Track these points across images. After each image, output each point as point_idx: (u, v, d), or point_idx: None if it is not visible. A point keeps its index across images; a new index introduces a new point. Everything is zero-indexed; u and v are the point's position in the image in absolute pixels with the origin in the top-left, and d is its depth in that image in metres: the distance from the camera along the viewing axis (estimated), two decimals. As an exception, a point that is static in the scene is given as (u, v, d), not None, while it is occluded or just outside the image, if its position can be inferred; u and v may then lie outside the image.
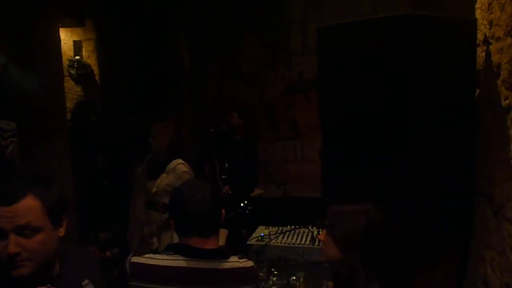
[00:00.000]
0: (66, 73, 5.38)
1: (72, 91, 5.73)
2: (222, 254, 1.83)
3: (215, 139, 4.72)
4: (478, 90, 2.40)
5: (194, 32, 5.73)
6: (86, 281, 1.58)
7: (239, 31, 5.68)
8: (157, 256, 1.78)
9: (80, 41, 5.79)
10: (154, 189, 3.39)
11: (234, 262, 1.84)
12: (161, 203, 3.27)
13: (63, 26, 5.24)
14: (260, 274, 2.60)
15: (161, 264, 1.74)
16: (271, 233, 3.04)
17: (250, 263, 1.90)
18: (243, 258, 1.91)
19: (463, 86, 2.33)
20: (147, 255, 1.78)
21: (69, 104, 5.27)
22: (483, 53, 2.29)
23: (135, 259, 1.75)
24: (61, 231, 1.46)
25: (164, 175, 3.40)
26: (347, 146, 2.40)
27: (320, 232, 2.98)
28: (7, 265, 1.32)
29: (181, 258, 1.75)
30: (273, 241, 2.92)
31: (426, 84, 2.18)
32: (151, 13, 5.40)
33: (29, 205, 1.33)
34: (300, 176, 5.40)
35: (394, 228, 1.86)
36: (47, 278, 1.43)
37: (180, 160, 3.43)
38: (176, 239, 3.13)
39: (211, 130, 4.73)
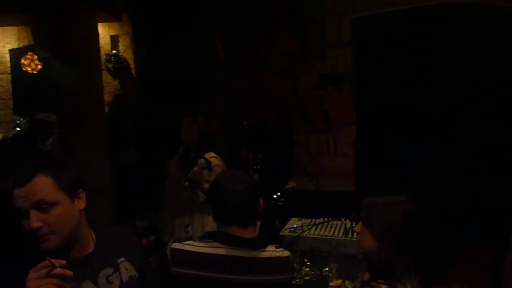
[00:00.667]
0: (103, 67, 5.51)
1: (109, 84, 5.86)
2: (260, 243, 1.86)
3: (249, 131, 4.74)
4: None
5: (228, 25, 5.76)
6: (122, 259, 1.63)
7: (272, 23, 5.67)
8: (197, 243, 1.81)
9: (117, 35, 5.91)
10: (186, 183, 3.43)
11: (272, 251, 1.86)
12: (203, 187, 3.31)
13: (101, 21, 5.35)
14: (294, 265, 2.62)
15: (201, 251, 1.77)
16: (304, 224, 3.05)
17: (286, 253, 1.91)
18: (280, 247, 1.92)
19: (503, 76, 2.27)
20: (187, 242, 1.81)
21: (107, 97, 5.39)
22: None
23: (176, 245, 1.79)
24: (81, 204, 1.54)
25: (195, 168, 3.43)
26: (381, 138, 2.38)
27: (354, 225, 2.97)
28: (34, 242, 1.41)
29: (220, 246, 1.78)
30: (306, 232, 2.93)
31: (464, 74, 2.13)
32: (185, 6, 5.45)
33: (40, 183, 1.43)
34: (333, 169, 5.36)
35: (430, 220, 1.84)
36: (81, 256, 1.52)
37: (212, 154, 3.45)
38: (207, 227, 3.19)
39: (244, 123, 4.75)
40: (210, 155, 3.43)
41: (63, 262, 1.27)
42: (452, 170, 2.14)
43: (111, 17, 5.69)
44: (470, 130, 2.14)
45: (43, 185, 1.43)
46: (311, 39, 5.55)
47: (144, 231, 2.33)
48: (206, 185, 3.28)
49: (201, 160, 3.27)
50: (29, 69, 5.88)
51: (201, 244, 1.80)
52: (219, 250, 1.77)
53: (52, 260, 1.26)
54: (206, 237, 1.85)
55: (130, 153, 4.76)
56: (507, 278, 2.39)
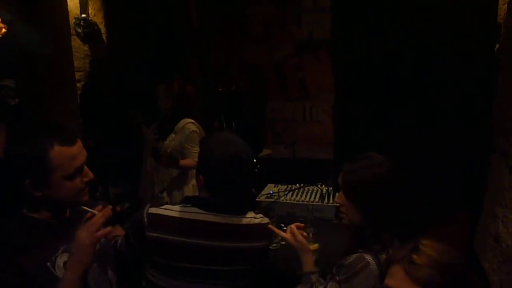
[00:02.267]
0: (72, 31, 5.30)
1: (80, 50, 5.65)
2: (239, 209, 1.82)
3: (224, 98, 4.67)
4: (497, 45, 2.32)
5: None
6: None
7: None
8: (174, 207, 1.77)
9: (86, -1, 5.67)
10: (163, 150, 3.37)
11: (251, 218, 1.82)
12: (165, 159, 3.26)
13: (69, -18, 5.12)
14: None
15: (178, 216, 1.73)
16: (280, 190, 3.04)
17: (266, 220, 1.88)
18: (259, 214, 1.89)
19: (482, 41, 2.26)
20: (164, 206, 1.77)
21: (77, 63, 5.21)
22: (505, 6, 2.20)
23: (153, 210, 1.74)
24: None
25: (172, 135, 3.37)
26: (361, 105, 2.36)
27: (331, 191, 2.98)
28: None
29: (198, 211, 1.74)
30: (282, 198, 2.92)
31: (444, 39, 2.11)
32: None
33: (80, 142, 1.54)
34: (309, 137, 5.36)
35: (408, 184, 1.84)
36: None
37: (189, 120, 3.38)
38: (186, 194, 3.13)
39: (220, 89, 4.67)
40: (187, 121, 3.36)
41: (100, 207, 1.47)
42: (430, 134, 2.14)
43: (80, -21, 5.46)
44: (448, 94, 2.14)
45: (81, 142, 1.53)
46: (288, 4, 5.45)
47: (118, 198, 2.28)
48: (182, 161, 3.24)
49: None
50: (-7, 33, 5.60)
51: (179, 209, 1.75)
52: (197, 215, 1.73)
53: (90, 210, 1.46)
54: (184, 201, 1.80)
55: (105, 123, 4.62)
56: (479, 242, 2.44)
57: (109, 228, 1.46)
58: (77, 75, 5.10)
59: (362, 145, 2.27)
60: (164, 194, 3.34)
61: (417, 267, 1.17)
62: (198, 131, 3.36)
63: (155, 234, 1.70)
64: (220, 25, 5.70)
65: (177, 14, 5.47)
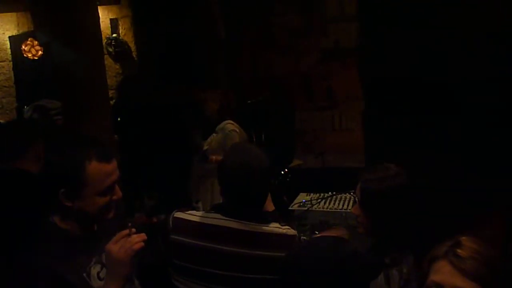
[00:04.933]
0: (104, 51, 5.48)
1: (111, 68, 5.84)
2: (263, 217, 1.85)
3: (252, 110, 4.73)
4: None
5: (229, 2, 5.70)
6: None
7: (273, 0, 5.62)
8: (198, 213, 1.84)
9: (116, 19, 5.86)
10: (205, 147, 3.52)
11: (275, 227, 1.84)
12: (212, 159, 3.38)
13: (100, 4, 5.31)
14: (303, 238, 2.63)
15: (200, 221, 1.80)
16: (313, 199, 3.06)
17: (292, 231, 1.88)
18: (285, 225, 1.89)
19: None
20: (189, 212, 1.84)
21: (109, 81, 5.37)
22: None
23: (178, 214, 1.82)
24: None
25: (214, 134, 3.52)
26: (390, 112, 2.37)
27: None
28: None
29: (221, 217, 1.79)
30: (315, 206, 2.94)
31: (477, 45, 2.11)
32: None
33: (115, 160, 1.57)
34: (338, 146, 5.35)
35: (439, 191, 1.84)
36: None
37: (229, 120, 3.57)
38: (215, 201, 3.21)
39: (248, 101, 4.73)
40: (227, 121, 3.52)
41: (134, 229, 1.47)
42: (462, 142, 2.13)
43: (110, 0, 5.65)
44: (480, 102, 2.12)
45: (116, 162, 1.56)
46: (313, 14, 5.49)
47: (153, 210, 2.35)
48: (213, 157, 3.35)
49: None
50: (29, 55, 5.84)
51: (202, 214, 1.82)
52: (218, 221, 1.78)
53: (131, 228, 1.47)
54: (211, 208, 1.87)
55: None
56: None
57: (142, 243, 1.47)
58: (110, 93, 5.27)
59: (392, 152, 2.28)
60: (199, 204, 3.42)
61: (464, 260, 1.18)
62: (237, 130, 3.50)
63: (178, 237, 1.77)
64: (245, 36, 5.78)
65: (203, 26, 5.58)
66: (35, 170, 2.11)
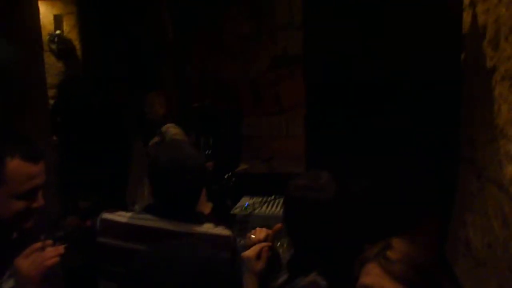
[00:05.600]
0: (46, 48, 5.26)
1: (53, 66, 5.60)
2: (195, 218, 1.79)
3: (199, 114, 4.68)
4: (463, 55, 2.39)
5: (178, 3, 5.63)
6: None
7: (224, 3, 5.59)
8: (127, 214, 1.75)
9: (60, 15, 5.64)
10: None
11: (208, 228, 1.78)
12: None
13: (42, -1, 5.11)
14: (243, 242, 2.60)
15: (129, 222, 1.71)
16: (255, 203, 3.04)
17: (226, 232, 1.82)
18: (221, 226, 1.83)
19: (447, 50, 2.32)
20: (118, 213, 1.75)
21: (51, 80, 5.16)
22: (469, 16, 2.27)
23: (106, 215, 1.73)
24: None
25: (156, 138, 3.42)
26: (331, 117, 2.39)
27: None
28: (21, 219, 1.39)
29: (151, 217, 1.71)
30: (257, 210, 2.92)
31: (407, 48, 2.17)
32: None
33: (42, 162, 1.43)
34: (285, 151, 5.38)
35: (373, 193, 1.85)
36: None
37: (171, 124, 3.50)
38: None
39: (195, 105, 4.68)
40: (169, 125, 3.45)
41: (50, 241, 1.34)
42: (395, 143, 2.18)
43: (54, -6, 5.45)
44: (413, 103, 2.18)
45: (43, 165, 1.42)
46: (263, 20, 5.51)
47: (87, 212, 2.26)
48: None
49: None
50: (-37, 48, 5.51)
51: (131, 215, 1.74)
52: (148, 222, 1.71)
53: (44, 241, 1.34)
54: (142, 209, 1.79)
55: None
56: (450, 249, 2.47)
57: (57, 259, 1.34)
58: (51, 92, 5.05)
59: (332, 156, 2.31)
60: (136, 207, 3.33)
61: (393, 263, 1.18)
62: (179, 134, 3.43)
63: (105, 240, 1.68)
64: (194, 39, 5.73)
65: (152, 28, 5.49)
66: None
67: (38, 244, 1.32)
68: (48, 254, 1.31)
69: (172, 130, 3.41)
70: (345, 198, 1.58)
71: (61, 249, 1.34)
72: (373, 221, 1.75)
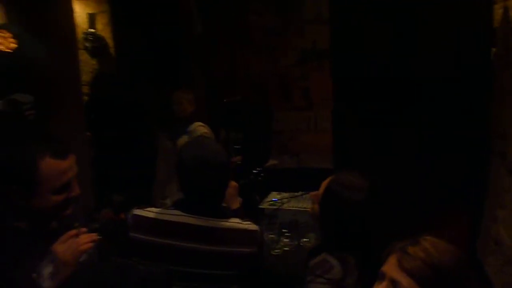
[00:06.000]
0: (81, 46, 5.40)
1: (88, 64, 5.75)
2: (222, 213, 1.84)
3: (229, 109, 4.72)
4: (494, 49, 2.35)
5: (206, 0, 5.68)
6: None
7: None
8: (157, 210, 1.81)
9: (94, 13, 5.78)
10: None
11: (235, 223, 1.82)
12: None
13: (77, -2, 5.24)
14: (271, 235, 2.64)
15: (159, 218, 1.78)
16: (284, 198, 3.06)
17: (253, 226, 1.86)
18: (247, 221, 1.87)
19: (478, 44, 2.28)
20: (148, 209, 1.81)
21: (85, 77, 5.31)
22: (501, 10, 2.23)
23: (137, 211, 1.80)
24: None
25: (185, 136, 3.48)
26: (359, 111, 2.39)
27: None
28: (61, 209, 1.50)
29: (180, 213, 1.77)
30: (285, 205, 2.94)
31: (438, 41, 2.14)
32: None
33: (72, 156, 1.53)
34: (314, 146, 5.37)
35: (403, 189, 1.85)
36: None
37: (200, 123, 3.54)
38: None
39: (225, 100, 4.71)
40: (198, 124, 3.50)
41: (85, 229, 1.45)
42: (425, 137, 2.16)
43: (87, -6, 5.58)
44: (444, 97, 2.16)
45: (73, 157, 1.52)
46: (290, 14, 5.50)
47: (121, 206, 2.34)
48: None
49: None
50: (2, 47, 5.71)
51: (161, 211, 1.80)
52: (177, 217, 1.77)
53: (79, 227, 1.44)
54: (171, 205, 1.85)
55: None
56: (480, 245, 2.44)
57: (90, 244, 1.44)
58: (85, 89, 5.20)
59: (360, 151, 2.31)
60: (167, 200, 3.40)
61: (410, 258, 1.20)
62: (208, 132, 3.48)
63: (136, 235, 1.75)
64: (222, 34, 5.77)
65: (181, 24, 5.55)
66: None
67: (73, 231, 1.42)
68: (82, 240, 1.41)
69: (201, 129, 3.46)
70: (378, 196, 1.63)
71: (94, 236, 1.44)
72: (402, 217, 1.75)
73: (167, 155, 3.69)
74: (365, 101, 2.31)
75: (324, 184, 1.79)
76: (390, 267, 1.22)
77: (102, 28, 5.82)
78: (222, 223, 1.79)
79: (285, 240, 2.58)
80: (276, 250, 2.51)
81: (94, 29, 5.75)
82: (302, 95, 5.57)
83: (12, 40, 5.62)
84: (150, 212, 1.80)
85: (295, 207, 2.92)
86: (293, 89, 5.61)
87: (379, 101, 2.24)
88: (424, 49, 2.13)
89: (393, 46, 2.17)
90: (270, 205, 3.00)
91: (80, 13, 5.53)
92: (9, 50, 5.69)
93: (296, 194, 3.12)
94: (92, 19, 5.78)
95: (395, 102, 2.19)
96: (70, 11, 4.17)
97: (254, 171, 3.54)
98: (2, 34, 5.67)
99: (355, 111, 2.37)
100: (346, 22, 2.45)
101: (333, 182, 1.76)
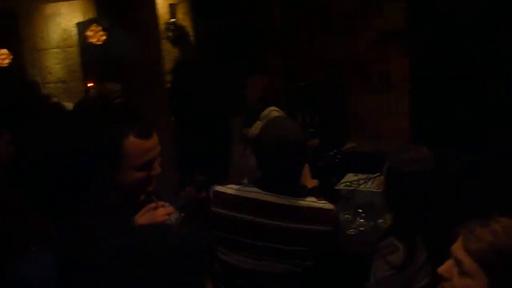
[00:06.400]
0: (163, 35, 5.66)
1: (170, 53, 6.02)
2: (299, 191, 1.88)
3: (305, 92, 4.72)
4: None
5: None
6: None
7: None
8: (238, 187, 1.89)
9: (175, 4, 6.02)
10: (250, 136, 3.56)
11: (312, 201, 1.86)
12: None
13: (158, -10, 5.47)
14: (346, 216, 2.64)
15: (239, 194, 1.86)
16: (360, 179, 3.04)
17: (329, 205, 1.88)
18: (323, 200, 1.90)
19: None
20: (229, 185, 1.90)
21: (168, 66, 5.55)
22: None
23: (218, 188, 1.89)
24: None
25: (258, 122, 3.54)
26: (437, 89, 2.31)
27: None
28: (143, 185, 1.63)
29: (257, 190, 1.84)
30: (362, 186, 2.93)
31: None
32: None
33: (156, 136, 1.65)
34: (394, 130, 5.22)
35: (476, 170, 1.79)
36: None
37: (273, 108, 3.56)
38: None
39: (301, 84, 4.73)
40: (272, 109, 3.54)
41: (162, 202, 1.59)
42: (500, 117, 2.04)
43: (168, -15, 5.81)
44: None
45: (157, 139, 1.64)
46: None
47: (203, 184, 2.48)
48: None
49: None
50: (94, 40, 6.15)
51: (241, 188, 1.88)
52: (256, 194, 1.83)
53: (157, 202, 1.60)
54: (250, 182, 1.92)
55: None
56: None
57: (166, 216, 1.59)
58: (168, 77, 5.45)
59: (437, 133, 2.23)
60: (245, 180, 3.49)
61: (475, 239, 1.16)
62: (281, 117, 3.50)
63: (217, 210, 1.86)
64: (300, 19, 5.74)
65: (259, 10, 5.60)
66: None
67: (152, 205, 1.58)
68: (159, 212, 1.57)
69: (274, 113, 3.48)
70: (446, 172, 1.60)
71: (170, 209, 1.59)
72: (475, 196, 1.69)
73: (240, 141, 3.77)
74: (441, 80, 2.23)
75: (384, 170, 1.79)
76: (457, 246, 1.20)
77: (183, 17, 6.05)
78: (299, 201, 1.84)
79: (360, 220, 2.57)
80: (351, 230, 2.52)
81: (175, 18, 6.00)
82: (381, 77, 5.42)
83: (102, 33, 6.05)
84: (230, 189, 1.89)
85: (372, 189, 2.89)
86: (371, 71, 5.47)
87: (455, 80, 2.15)
88: (500, 29, 2.00)
89: (472, 25, 2.06)
90: (346, 186, 3.00)
91: (162, 4, 5.79)
92: (99, 43, 6.14)
93: (373, 175, 3.09)
94: (173, 9, 6.03)
95: (475, 81, 2.08)
96: (152, 3, 4.37)
97: (330, 153, 3.54)
98: (94, 28, 6.12)
99: (432, 91, 2.29)
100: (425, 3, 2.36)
101: (392, 160, 1.78)
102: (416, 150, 1.74)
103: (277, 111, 3.52)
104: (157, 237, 1.08)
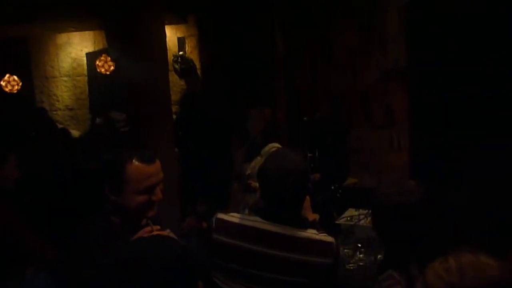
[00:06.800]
0: (170, 67, 5.78)
1: (176, 84, 6.14)
2: (300, 223, 1.90)
3: (308, 127, 4.78)
4: None
5: (288, 18, 5.81)
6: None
7: (334, 16, 5.66)
8: (240, 215, 1.92)
9: (183, 37, 6.18)
10: (248, 171, 3.55)
11: (312, 233, 1.87)
12: (252, 186, 3.43)
13: (168, 23, 5.63)
14: (346, 250, 2.65)
15: (241, 222, 1.88)
16: (361, 214, 3.05)
17: (329, 238, 1.89)
18: (324, 233, 1.90)
19: None
20: (231, 214, 1.93)
21: (174, 97, 5.65)
22: None
23: (221, 215, 1.92)
24: None
25: (259, 158, 3.54)
26: (436, 128, 2.35)
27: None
28: (144, 209, 1.67)
29: (259, 220, 1.86)
30: (362, 221, 2.93)
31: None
32: (248, 2, 5.58)
33: (158, 163, 1.70)
34: (396, 166, 5.25)
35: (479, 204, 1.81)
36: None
37: (275, 144, 3.55)
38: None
39: (304, 118, 4.79)
40: (274, 145, 3.54)
41: (158, 226, 1.60)
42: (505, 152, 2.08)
43: (178, 19, 5.96)
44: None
45: (159, 165, 1.69)
46: (372, 32, 5.47)
47: (204, 215, 2.52)
48: (253, 184, 3.39)
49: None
50: (102, 70, 6.28)
51: (243, 217, 1.91)
52: (257, 223, 1.85)
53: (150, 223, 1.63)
54: (252, 211, 1.95)
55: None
56: None
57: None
58: (174, 108, 5.53)
59: (438, 169, 2.26)
60: (246, 211, 3.50)
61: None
62: None
63: (219, 237, 1.87)
64: (304, 52, 5.86)
65: (263, 43, 5.72)
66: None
67: (148, 228, 1.60)
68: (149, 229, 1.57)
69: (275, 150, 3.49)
70: (436, 205, 1.62)
71: (165, 233, 1.58)
72: (462, 227, 1.71)
73: (240, 175, 3.78)
74: (441, 120, 2.28)
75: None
76: (430, 275, 1.21)
77: (191, 50, 6.19)
78: (300, 232, 1.86)
79: (360, 255, 2.58)
80: (351, 265, 2.52)
81: (183, 52, 6.15)
82: (384, 113, 5.49)
83: (111, 63, 6.19)
84: (233, 217, 1.92)
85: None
86: (374, 106, 5.54)
87: (457, 120, 2.20)
88: (499, 71, 2.07)
89: (470, 66, 2.13)
90: (347, 221, 3.01)
91: (171, 37, 5.94)
92: (108, 73, 6.28)
93: (373, 211, 3.09)
94: (181, 42, 6.19)
95: (473, 121, 2.13)
96: (162, 36, 4.48)
97: (331, 187, 3.56)
98: (103, 58, 6.27)
99: (431, 130, 2.34)
100: (422, 42, 2.44)
101: (375, 193, 1.76)
102: (401, 183, 1.75)
103: (278, 147, 3.53)
104: (152, 248, 1.12)
